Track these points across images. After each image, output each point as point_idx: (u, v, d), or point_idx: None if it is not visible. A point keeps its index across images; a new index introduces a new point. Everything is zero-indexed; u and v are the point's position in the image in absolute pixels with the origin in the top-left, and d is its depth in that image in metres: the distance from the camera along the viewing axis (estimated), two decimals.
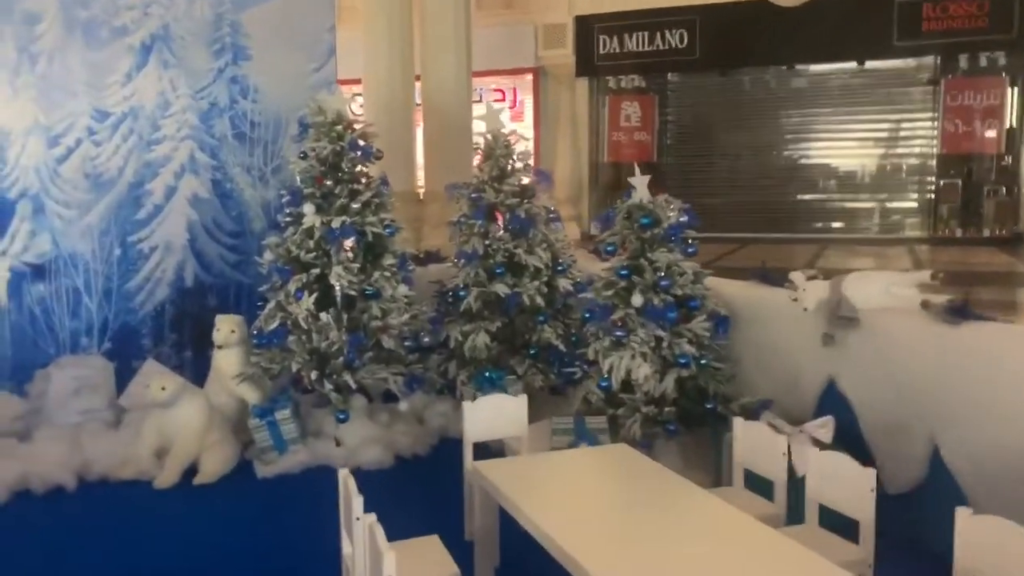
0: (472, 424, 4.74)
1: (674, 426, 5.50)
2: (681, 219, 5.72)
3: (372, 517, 3.05)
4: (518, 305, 6.83)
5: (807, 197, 18.01)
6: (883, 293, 4.97)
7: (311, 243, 6.40)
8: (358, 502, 3.28)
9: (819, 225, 17.82)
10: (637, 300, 5.53)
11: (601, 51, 17.83)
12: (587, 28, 17.75)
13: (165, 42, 7.17)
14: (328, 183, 6.46)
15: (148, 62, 7.14)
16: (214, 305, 7.30)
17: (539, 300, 6.83)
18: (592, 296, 5.81)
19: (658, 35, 17.54)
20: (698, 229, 5.88)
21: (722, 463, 5.16)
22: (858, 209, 17.74)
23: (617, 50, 17.77)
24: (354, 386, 6.33)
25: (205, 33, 7.29)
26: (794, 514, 4.06)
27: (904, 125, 17.26)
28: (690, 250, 5.75)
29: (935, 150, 16.75)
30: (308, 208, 6.38)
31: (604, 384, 5.64)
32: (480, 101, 15.27)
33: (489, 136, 7.04)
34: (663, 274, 5.55)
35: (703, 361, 5.57)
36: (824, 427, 4.78)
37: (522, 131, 12.10)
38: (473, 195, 6.94)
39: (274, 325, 6.31)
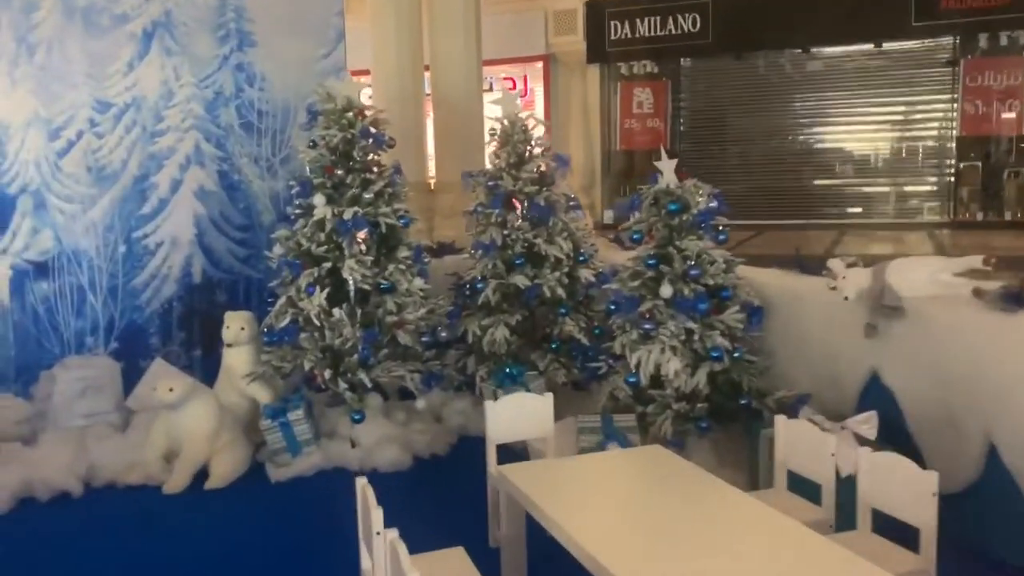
0: (495, 425, 4.52)
1: (706, 423, 5.25)
2: (711, 204, 5.46)
3: (394, 533, 2.83)
4: (538, 297, 6.63)
5: (824, 182, 17.80)
6: (930, 280, 4.70)
7: (322, 236, 6.21)
8: (377, 515, 3.04)
9: (836, 210, 17.58)
10: (666, 291, 5.28)
11: (612, 37, 17.61)
12: (598, 13, 17.53)
13: (167, 29, 6.98)
14: (339, 173, 6.28)
15: (150, 50, 6.97)
16: (223, 301, 7.14)
17: (560, 292, 6.62)
18: (618, 287, 5.57)
19: (670, 19, 17.31)
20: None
21: (758, 461, 4.93)
22: (876, 193, 17.54)
23: (628, 35, 17.54)
24: (369, 384, 6.15)
25: (208, 19, 7.11)
26: (841, 519, 3.81)
27: (922, 107, 17.01)
28: (721, 237, 5.49)
29: (954, 132, 16.50)
30: (319, 199, 6.19)
31: (632, 380, 5.40)
32: (490, 90, 15.12)
33: (506, 122, 6.80)
34: (693, 263, 5.30)
35: (736, 354, 5.31)
36: (867, 423, 4.56)
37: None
38: (490, 183, 6.73)
39: (285, 322, 6.14)
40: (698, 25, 17.21)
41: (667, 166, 5.47)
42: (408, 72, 11.64)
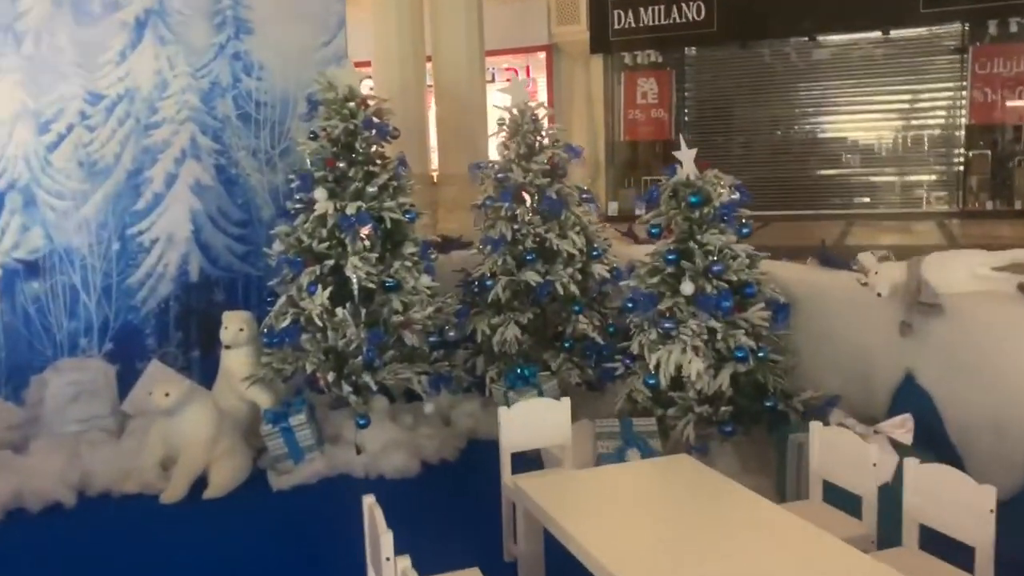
0: (509, 432, 4.32)
1: (730, 427, 5.01)
2: (733, 196, 5.21)
3: (406, 562, 2.63)
4: (550, 294, 6.42)
5: (831, 172, 17.68)
6: (969, 275, 4.47)
7: (324, 231, 6.02)
8: (387, 540, 2.80)
9: (844, 201, 17.44)
10: (687, 288, 5.04)
11: (616, 26, 17.47)
12: (601, 3, 17.40)
13: (161, 16, 6.75)
14: (341, 165, 6.09)
15: (143, 39, 6.73)
16: (221, 301, 6.95)
17: (573, 288, 6.40)
18: (635, 284, 5.32)
19: (674, 8, 17.17)
20: None
21: (786, 467, 4.68)
22: (884, 183, 17.41)
23: (632, 25, 17.39)
24: (374, 387, 5.95)
25: (204, 6, 6.89)
26: (880, 533, 3.57)
27: (930, 95, 16.87)
28: (744, 231, 5.24)
29: (963, 120, 16.34)
30: (320, 193, 5.99)
31: (651, 381, 5.15)
32: (493, 81, 14.92)
33: (515, 111, 6.56)
34: (715, 258, 5.05)
35: (761, 354, 5.06)
36: (903, 427, 4.30)
37: None
38: (499, 175, 6.49)
39: (286, 322, 5.95)
40: (703, 14, 17.05)
41: (687, 156, 5.23)
42: (410, 63, 11.58)
